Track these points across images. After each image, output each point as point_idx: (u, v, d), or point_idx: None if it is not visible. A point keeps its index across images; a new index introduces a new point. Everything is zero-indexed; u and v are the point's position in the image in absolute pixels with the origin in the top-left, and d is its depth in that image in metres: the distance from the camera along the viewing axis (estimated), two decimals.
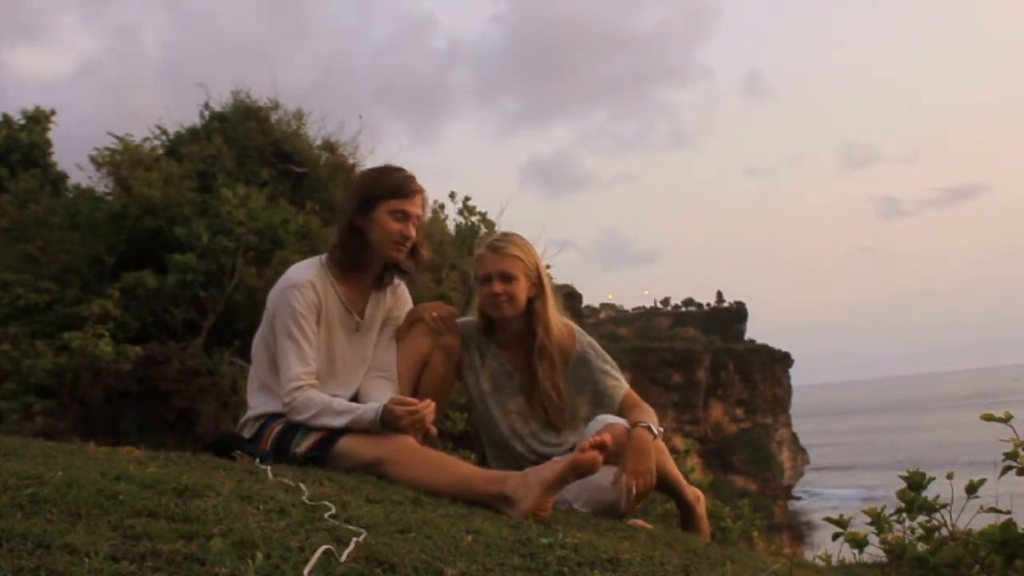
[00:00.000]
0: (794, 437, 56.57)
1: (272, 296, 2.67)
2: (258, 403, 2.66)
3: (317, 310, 2.62)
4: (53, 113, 12.04)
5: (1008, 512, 1.90)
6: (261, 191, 8.62)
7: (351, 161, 9.94)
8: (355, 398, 2.67)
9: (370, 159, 9.85)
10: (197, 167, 8.88)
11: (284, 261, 6.83)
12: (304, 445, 2.46)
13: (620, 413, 2.81)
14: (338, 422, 2.43)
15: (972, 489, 2.05)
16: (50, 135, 11.85)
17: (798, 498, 53.90)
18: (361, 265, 2.72)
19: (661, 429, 2.73)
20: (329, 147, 10.05)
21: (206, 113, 9.94)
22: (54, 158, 11.69)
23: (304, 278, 2.63)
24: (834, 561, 2.49)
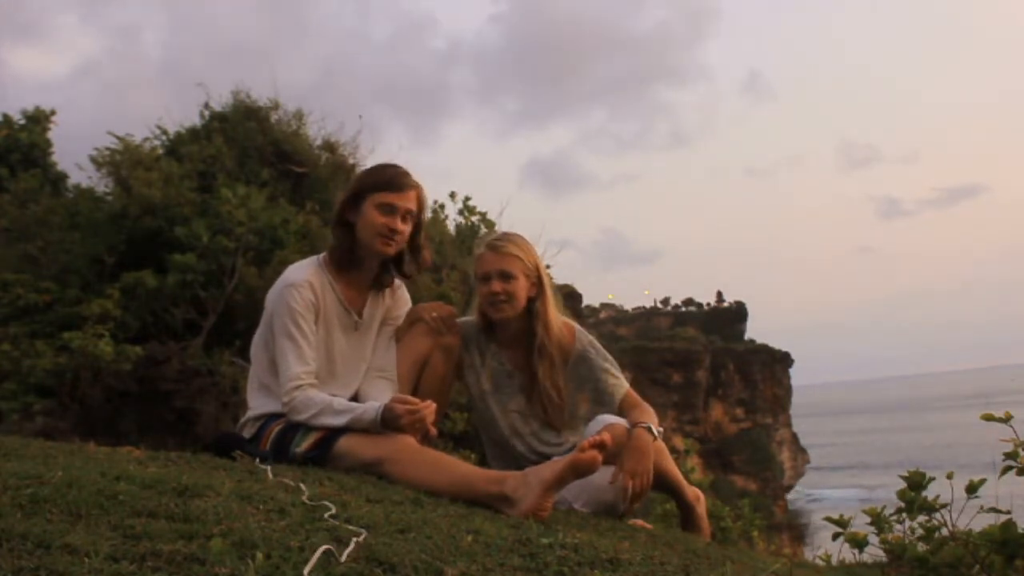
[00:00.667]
0: (794, 437, 56.56)
1: (270, 296, 2.67)
2: (258, 403, 2.66)
3: (315, 309, 2.62)
4: (53, 113, 12.05)
5: (1008, 512, 1.90)
6: (261, 191, 8.62)
7: (351, 161, 9.94)
8: (355, 398, 2.66)
9: (370, 159, 9.86)
10: (197, 167, 8.88)
11: (284, 261, 6.84)
12: (304, 445, 2.45)
13: (620, 412, 2.81)
14: (338, 421, 2.43)
15: (972, 489, 2.05)
16: (50, 135, 11.86)
17: (801, 499, 53.90)
18: (354, 261, 2.71)
19: (661, 429, 2.73)
20: (329, 147, 10.05)
21: (206, 113, 9.95)
22: (54, 158, 11.70)
23: (302, 277, 2.63)
24: (834, 561, 2.49)
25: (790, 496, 51.83)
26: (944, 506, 2.06)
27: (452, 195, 11.25)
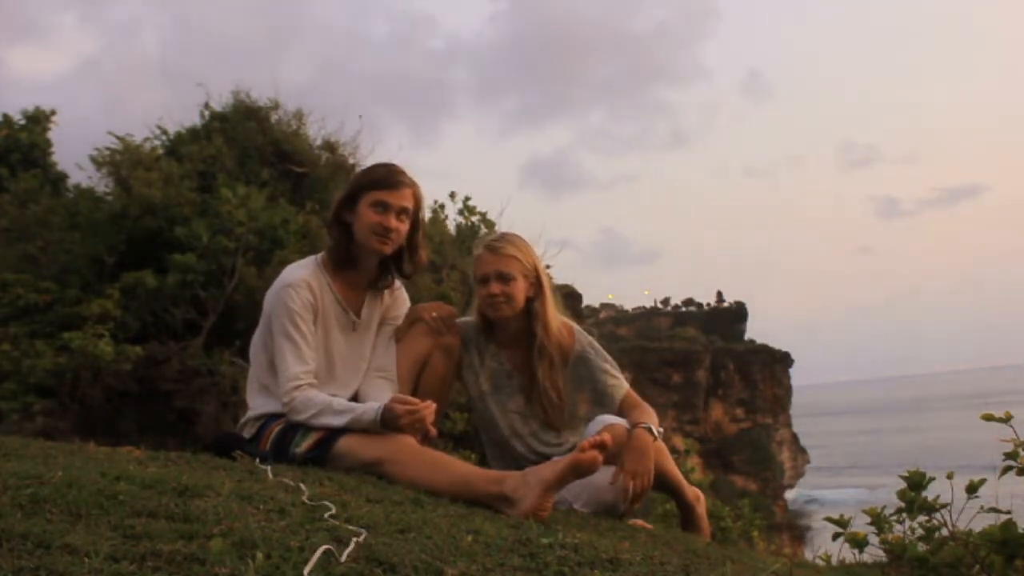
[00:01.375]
0: (794, 437, 56.57)
1: (268, 297, 2.67)
2: (258, 404, 2.66)
3: (313, 309, 2.62)
4: (53, 113, 12.06)
5: (1008, 512, 1.90)
6: (261, 191, 8.62)
7: (351, 161, 9.94)
8: (354, 399, 2.66)
9: (370, 159, 9.86)
10: (197, 167, 8.88)
11: (284, 261, 6.83)
12: (304, 445, 2.45)
13: (620, 412, 2.81)
14: (338, 421, 2.43)
15: (972, 489, 2.05)
16: (50, 135, 11.86)
17: (801, 500, 53.91)
18: (351, 261, 2.71)
19: (661, 430, 2.73)
20: (329, 147, 10.05)
21: (206, 113, 9.95)
22: (54, 158, 11.71)
23: (299, 277, 2.63)
24: (834, 561, 2.49)
25: (790, 497, 51.85)
26: (944, 506, 2.06)
27: (452, 195, 11.26)
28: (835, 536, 2.27)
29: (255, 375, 2.71)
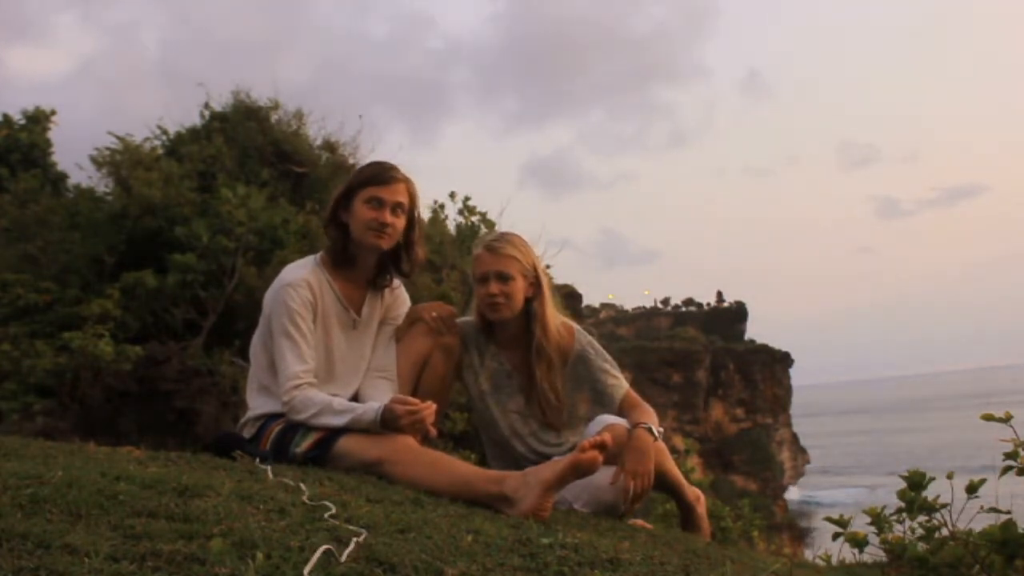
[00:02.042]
0: (794, 437, 56.58)
1: (268, 296, 2.67)
2: (257, 404, 2.66)
3: (313, 308, 2.62)
4: (53, 113, 12.05)
5: (1008, 512, 1.90)
6: (261, 191, 8.62)
7: (351, 161, 9.93)
8: (355, 398, 2.66)
9: (370, 159, 9.82)
10: (197, 167, 8.88)
11: (284, 261, 6.83)
12: (304, 445, 2.45)
13: (620, 412, 2.81)
14: (338, 421, 2.43)
15: (972, 489, 2.05)
16: (50, 135, 11.86)
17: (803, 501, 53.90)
18: (350, 259, 2.71)
19: (661, 430, 2.73)
20: (329, 147, 10.05)
21: (206, 113, 9.94)
22: (54, 158, 11.70)
23: (299, 276, 2.63)
24: (834, 561, 2.49)
25: (791, 498, 51.85)
26: (944, 506, 2.06)
27: (452, 195, 11.25)
28: (835, 536, 2.27)
29: (255, 375, 2.71)
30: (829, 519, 2.30)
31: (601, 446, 2.23)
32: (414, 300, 2.94)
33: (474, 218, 11.10)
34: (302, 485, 1.94)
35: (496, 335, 2.91)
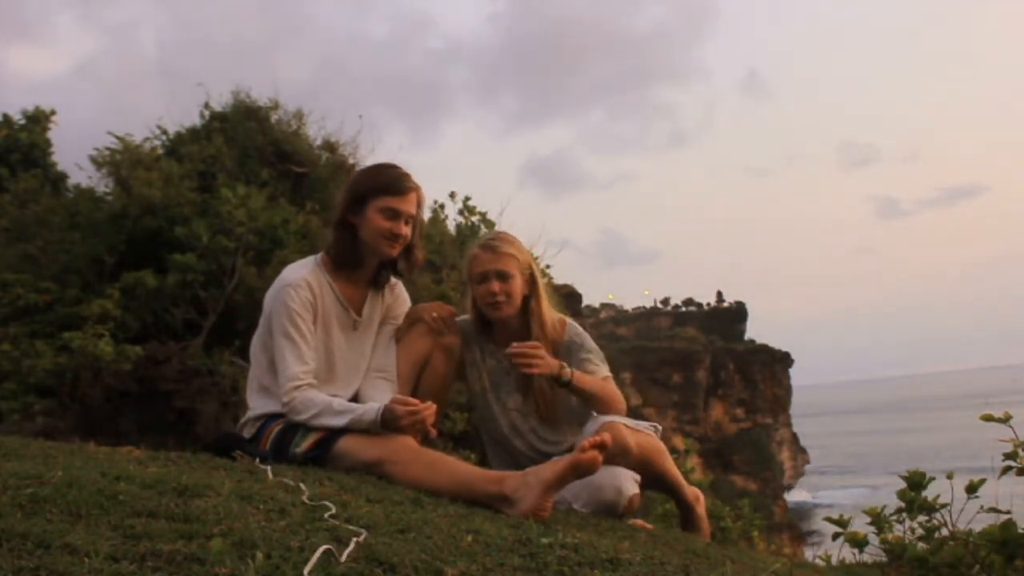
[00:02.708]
0: (794, 437, 56.60)
1: (268, 296, 2.67)
2: (258, 404, 2.66)
3: (313, 308, 2.62)
4: (53, 113, 12.05)
5: (1008, 512, 1.90)
6: (261, 191, 8.62)
7: (351, 161, 9.93)
8: (355, 399, 2.66)
9: (370, 159, 9.84)
10: (197, 167, 8.88)
11: (284, 261, 6.83)
12: (304, 445, 2.45)
13: None
14: (338, 422, 2.43)
15: (972, 489, 2.05)
16: (50, 135, 11.86)
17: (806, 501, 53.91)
18: (354, 262, 2.71)
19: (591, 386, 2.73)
20: (329, 147, 10.05)
21: (206, 113, 9.94)
22: (54, 158, 11.70)
23: (299, 276, 2.63)
24: (834, 561, 2.49)
25: (795, 499, 51.86)
26: (944, 506, 2.06)
27: (452, 195, 11.24)
28: (835, 536, 2.27)
29: (255, 375, 2.71)
30: (829, 519, 2.30)
31: (601, 446, 2.24)
32: (414, 300, 2.95)
33: (474, 218, 11.09)
34: (302, 485, 1.94)
35: (494, 333, 2.92)
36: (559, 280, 11.65)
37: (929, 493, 2.09)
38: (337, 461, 2.40)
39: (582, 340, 2.92)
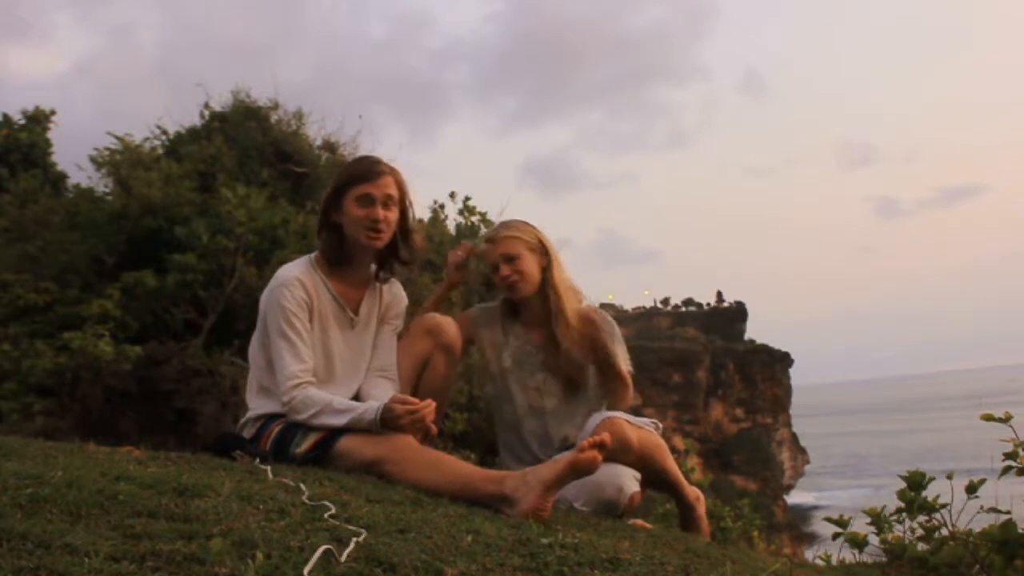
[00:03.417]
0: (794, 437, 56.61)
1: (263, 298, 2.66)
2: (257, 405, 2.65)
3: (308, 307, 2.61)
4: (53, 113, 12.04)
5: (1008, 512, 1.90)
6: (261, 191, 8.61)
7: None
8: (356, 398, 2.66)
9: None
10: (197, 167, 8.87)
11: (284, 261, 6.79)
12: (304, 446, 2.45)
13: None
14: (338, 421, 2.42)
15: (972, 489, 2.05)
16: (50, 135, 11.86)
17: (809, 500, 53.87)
18: (346, 259, 2.70)
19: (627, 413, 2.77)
20: (329, 147, 10.04)
21: (206, 113, 9.93)
22: (54, 158, 11.69)
23: (292, 276, 2.62)
24: (834, 561, 2.49)
25: (795, 499, 51.83)
26: (944, 506, 2.06)
27: (452, 195, 11.24)
28: (835, 536, 2.27)
29: (254, 376, 2.70)
30: (829, 519, 2.30)
31: (600, 445, 2.24)
32: (414, 300, 2.97)
33: (474, 218, 11.08)
34: (302, 485, 1.94)
35: (521, 315, 3.04)
36: None
37: (929, 493, 2.10)
38: (337, 461, 2.40)
39: (611, 327, 3.00)
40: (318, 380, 2.58)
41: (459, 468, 2.36)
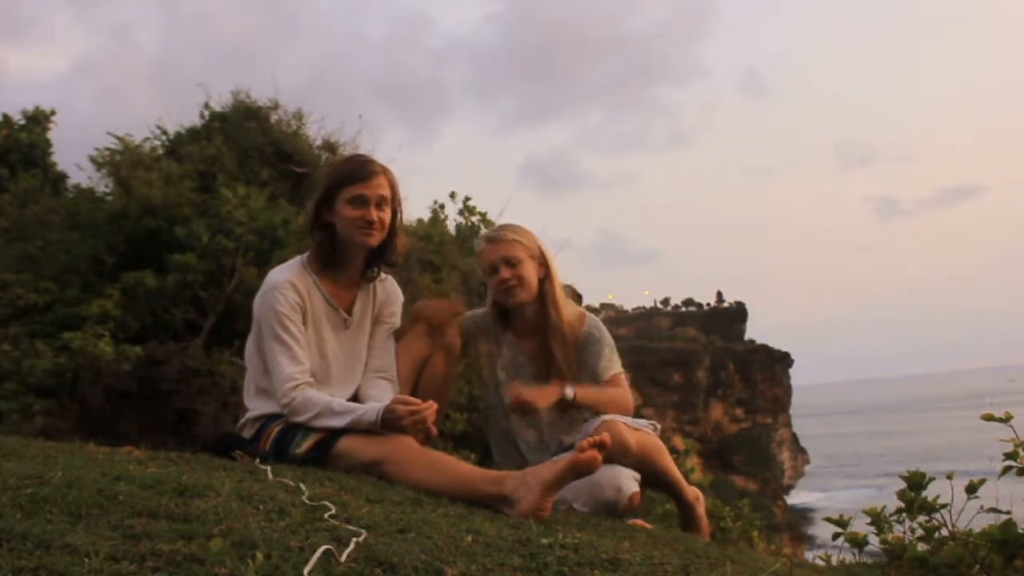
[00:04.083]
0: (794, 437, 56.60)
1: (256, 302, 2.64)
2: (256, 406, 2.65)
3: (301, 309, 2.60)
4: (53, 113, 12.03)
5: (1008, 512, 1.90)
6: (261, 191, 8.61)
7: None
8: (354, 399, 2.65)
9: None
10: (197, 167, 8.87)
11: (283, 261, 6.82)
12: (304, 446, 2.45)
13: None
14: (338, 423, 2.42)
15: (972, 489, 2.05)
16: (50, 135, 11.85)
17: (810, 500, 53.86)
18: (338, 260, 2.68)
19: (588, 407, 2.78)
20: (329, 147, 10.04)
21: (206, 113, 9.93)
22: (54, 158, 11.69)
23: (283, 279, 2.61)
24: (834, 561, 2.49)
25: (795, 500, 51.83)
26: (944, 506, 2.06)
27: (452, 195, 11.24)
28: (835, 536, 2.27)
29: (252, 379, 2.69)
30: (829, 519, 2.30)
31: (600, 445, 2.24)
32: (414, 300, 2.95)
33: (474, 218, 11.08)
34: (302, 485, 1.94)
35: (513, 323, 2.97)
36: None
37: (929, 493, 2.10)
38: (337, 461, 2.40)
39: (600, 334, 2.95)
40: (315, 381, 2.57)
41: (459, 468, 2.36)
